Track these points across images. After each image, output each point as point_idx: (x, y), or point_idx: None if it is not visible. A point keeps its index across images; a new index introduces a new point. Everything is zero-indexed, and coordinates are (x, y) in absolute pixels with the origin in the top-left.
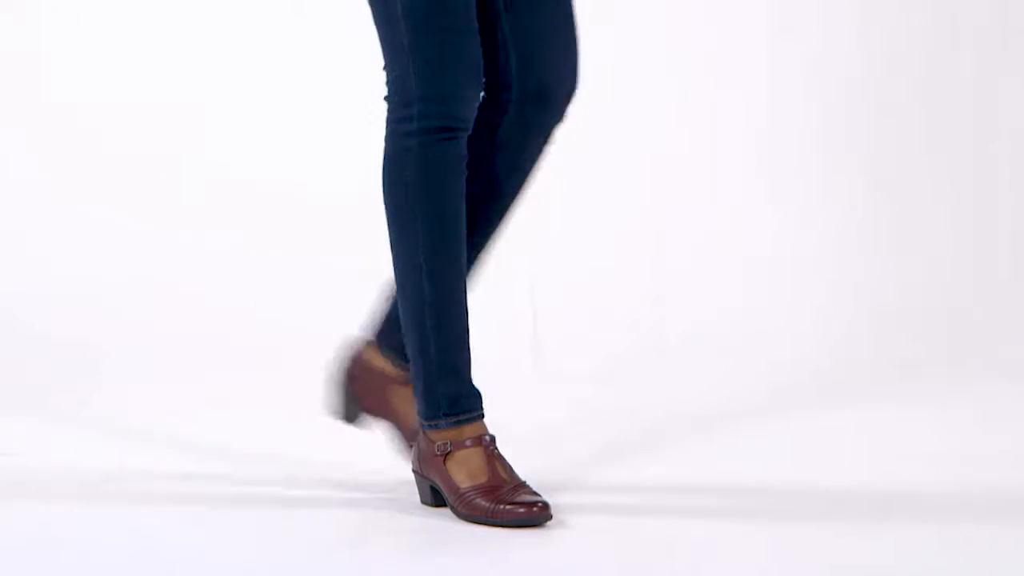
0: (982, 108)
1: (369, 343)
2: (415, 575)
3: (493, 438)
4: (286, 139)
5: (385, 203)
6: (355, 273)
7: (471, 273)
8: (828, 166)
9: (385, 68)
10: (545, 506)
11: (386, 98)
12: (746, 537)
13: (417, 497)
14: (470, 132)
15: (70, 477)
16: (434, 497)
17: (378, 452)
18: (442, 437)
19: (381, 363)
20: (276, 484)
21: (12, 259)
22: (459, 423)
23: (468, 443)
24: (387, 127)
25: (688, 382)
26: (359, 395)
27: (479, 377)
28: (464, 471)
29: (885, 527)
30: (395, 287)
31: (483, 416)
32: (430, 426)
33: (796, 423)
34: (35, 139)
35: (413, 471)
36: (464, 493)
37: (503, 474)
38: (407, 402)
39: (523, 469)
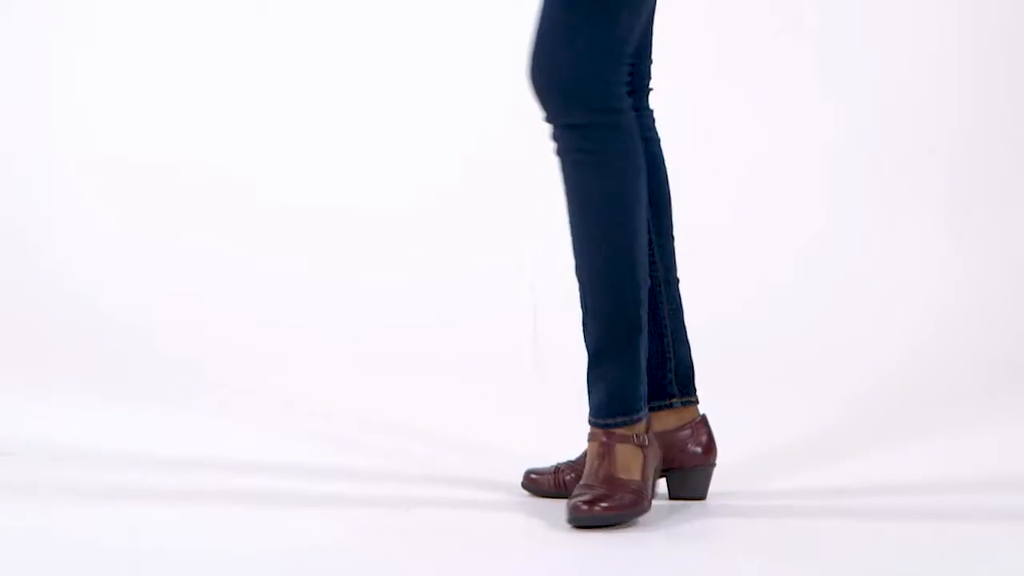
0: (982, 105)
1: None
2: (415, 575)
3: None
4: (287, 141)
5: None
6: (355, 274)
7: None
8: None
9: None
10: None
11: None
12: (751, 531)
13: (414, 498)
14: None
15: (69, 474)
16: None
17: (378, 451)
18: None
19: None
20: (276, 484)
21: (12, 258)
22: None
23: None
24: None
25: None
26: None
27: (479, 376)
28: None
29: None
30: None
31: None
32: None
33: (794, 422)
34: (35, 139)
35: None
36: None
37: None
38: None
39: (522, 468)
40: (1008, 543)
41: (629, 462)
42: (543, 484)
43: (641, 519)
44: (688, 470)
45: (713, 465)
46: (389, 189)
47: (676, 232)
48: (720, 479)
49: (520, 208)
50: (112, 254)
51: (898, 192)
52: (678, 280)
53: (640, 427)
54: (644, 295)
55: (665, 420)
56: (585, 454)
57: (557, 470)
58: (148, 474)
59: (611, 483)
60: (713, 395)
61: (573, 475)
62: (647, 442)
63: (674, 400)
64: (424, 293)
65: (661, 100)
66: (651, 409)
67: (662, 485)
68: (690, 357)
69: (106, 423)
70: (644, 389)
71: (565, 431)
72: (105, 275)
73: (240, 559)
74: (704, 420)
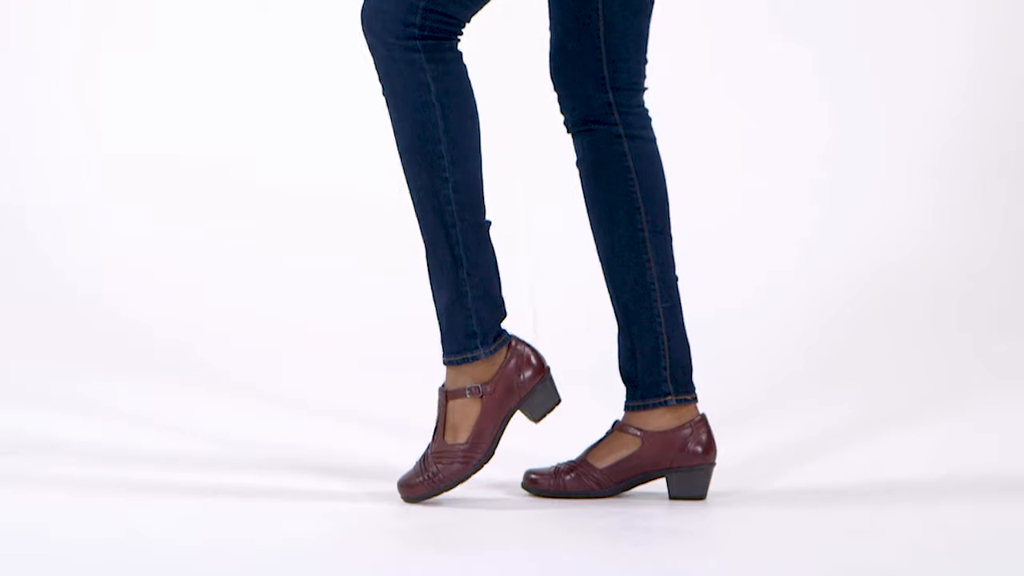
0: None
1: None
2: (414, 574)
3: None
4: (287, 139)
5: None
6: (355, 273)
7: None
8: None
9: None
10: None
11: None
12: (751, 531)
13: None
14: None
15: (67, 470)
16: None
17: (378, 450)
18: None
19: None
20: (276, 483)
21: (12, 255)
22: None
23: None
24: None
25: None
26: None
27: None
28: None
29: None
30: None
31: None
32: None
33: (792, 421)
34: (35, 137)
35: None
36: None
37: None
38: None
39: (520, 467)
40: (1009, 542)
41: (458, 423)
42: (543, 484)
43: (638, 520)
44: (688, 470)
45: (713, 464)
46: (389, 188)
47: (675, 231)
48: (720, 479)
49: (519, 209)
50: (112, 250)
51: (898, 191)
52: (676, 278)
53: (475, 369)
54: (457, 230)
55: (663, 419)
56: (586, 454)
57: (557, 470)
58: (146, 470)
59: (439, 455)
60: (713, 394)
61: (573, 475)
62: (489, 390)
63: (669, 398)
64: (424, 293)
65: (661, 99)
66: (647, 407)
67: (662, 485)
68: (688, 356)
69: (104, 418)
70: (480, 328)
71: (565, 431)
72: (105, 271)
73: (238, 554)
74: (704, 419)
